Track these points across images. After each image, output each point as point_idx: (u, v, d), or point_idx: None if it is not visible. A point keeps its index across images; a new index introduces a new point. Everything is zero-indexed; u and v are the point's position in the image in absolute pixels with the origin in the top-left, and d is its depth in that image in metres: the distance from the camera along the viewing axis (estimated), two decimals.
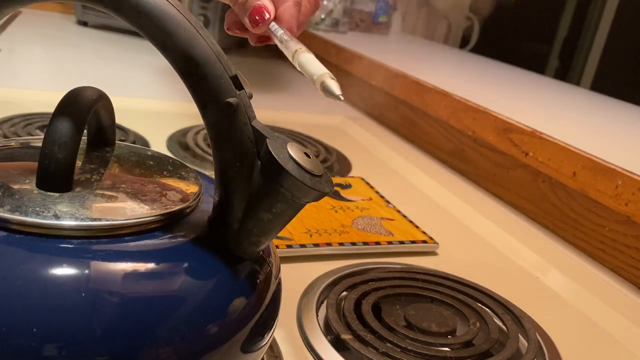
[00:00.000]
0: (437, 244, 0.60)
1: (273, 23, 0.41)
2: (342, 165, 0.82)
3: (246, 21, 0.41)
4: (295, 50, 0.36)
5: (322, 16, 1.38)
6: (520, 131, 0.72)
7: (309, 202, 0.28)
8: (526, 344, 0.46)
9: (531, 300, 0.54)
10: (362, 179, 0.74)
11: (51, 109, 0.28)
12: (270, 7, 0.41)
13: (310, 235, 0.57)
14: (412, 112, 0.97)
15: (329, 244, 0.56)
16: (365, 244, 0.57)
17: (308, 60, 0.34)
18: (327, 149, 0.86)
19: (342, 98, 0.31)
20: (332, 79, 0.31)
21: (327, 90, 0.31)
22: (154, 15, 0.26)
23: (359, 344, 0.42)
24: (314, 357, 0.42)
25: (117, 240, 0.26)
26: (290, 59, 0.36)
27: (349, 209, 0.65)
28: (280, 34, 0.39)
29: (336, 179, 0.73)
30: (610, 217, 0.62)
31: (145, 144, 0.75)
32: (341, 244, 0.56)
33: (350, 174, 0.79)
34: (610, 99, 1.08)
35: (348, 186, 0.71)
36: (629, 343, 0.51)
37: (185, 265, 0.27)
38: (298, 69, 0.35)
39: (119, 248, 0.26)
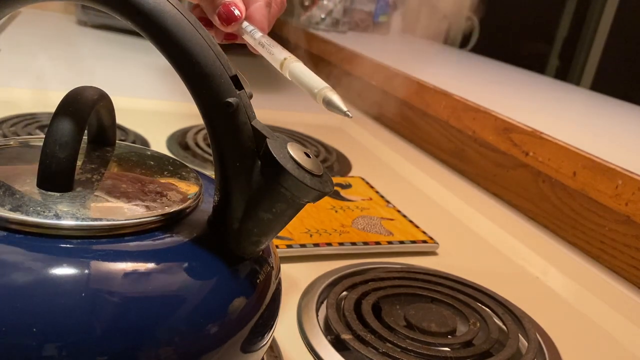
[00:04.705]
0: (437, 244, 0.60)
1: (245, 22, 0.39)
2: (342, 165, 0.82)
3: (215, 19, 0.39)
4: (285, 58, 0.34)
5: (322, 16, 1.38)
6: (520, 131, 0.72)
7: (309, 202, 0.28)
8: (526, 344, 0.46)
9: (531, 300, 0.54)
10: (362, 179, 0.74)
11: (51, 109, 0.28)
12: (241, 5, 0.39)
13: (310, 235, 0.57)
14: (412, 112, 0.97)
15: (329, 244, 0.56)
16: (365, 244, 0.57)
17: (302, 71, 0.32)
18: (327, 149, 0.86)
19: (350, 115, 0.29)
20: (334, 93, 0.30)
21: (331, 106, 0.30)
22: (153, 15, 0.26)
23: (359, 344, 0.42)
24: (314, 357, 0.42)
25: (117, 240, 0.26)
26: (276, 65, 0.35)
27: (349, 208, 0.65)
28: (258, 37, 0.38)
29: (336, 179, 0.73)
30: (610, 217, 0.62)
31: (145, 143, 0.75)
32: (341, 244, 0.56)
33: (350, 174, 0.79)
34: (610, 99, 1.08)
35: (348, 186, 0.71)
36: (629, 343, 0.51)
37: (185, 265, 0.27)
38: (288, 77, 0.33)
39: (119, 248, 0.26)
